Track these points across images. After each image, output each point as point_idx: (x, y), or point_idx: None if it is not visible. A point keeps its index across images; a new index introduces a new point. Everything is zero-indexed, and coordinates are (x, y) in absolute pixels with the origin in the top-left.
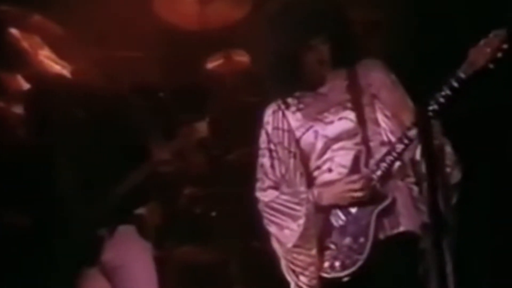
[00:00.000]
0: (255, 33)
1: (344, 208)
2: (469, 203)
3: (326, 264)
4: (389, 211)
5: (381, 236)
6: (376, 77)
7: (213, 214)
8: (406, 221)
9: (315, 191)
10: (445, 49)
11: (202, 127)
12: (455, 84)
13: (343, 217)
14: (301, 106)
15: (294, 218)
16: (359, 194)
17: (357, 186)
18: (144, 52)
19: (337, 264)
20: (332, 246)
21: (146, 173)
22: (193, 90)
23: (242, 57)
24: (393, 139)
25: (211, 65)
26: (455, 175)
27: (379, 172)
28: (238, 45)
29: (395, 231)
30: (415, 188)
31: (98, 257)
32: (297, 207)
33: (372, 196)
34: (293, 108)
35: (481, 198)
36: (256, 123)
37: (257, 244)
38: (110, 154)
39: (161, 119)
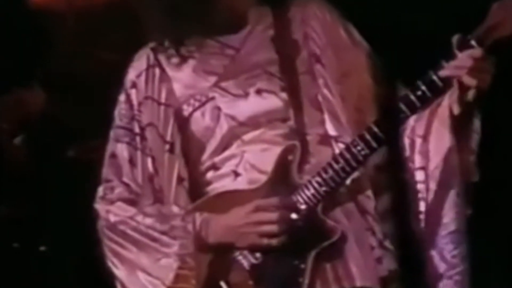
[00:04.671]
0: None
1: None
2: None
3: None
4: (335, 251)
5: None
6: (321, 27)
7: (42, 249)
8: (361, 270)
9: (198, 216)
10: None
11: (27, 99)
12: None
13: (257, 253)
14: (195, 62)
15: (160, 258)
16: (270, 229)
17: (270, 217)
18: None
19: None
20: None
21: None
22: (12, 37)
23: None
24: (344, 135)
25: None
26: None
27: (321, 190)
28: None
29: (344, 285)
30: (375, 216)
31: None
32: (167, 240)
33: (298, 235)
34: (181, 64)
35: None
36: (116, 96)
37: None
38: None
39: None
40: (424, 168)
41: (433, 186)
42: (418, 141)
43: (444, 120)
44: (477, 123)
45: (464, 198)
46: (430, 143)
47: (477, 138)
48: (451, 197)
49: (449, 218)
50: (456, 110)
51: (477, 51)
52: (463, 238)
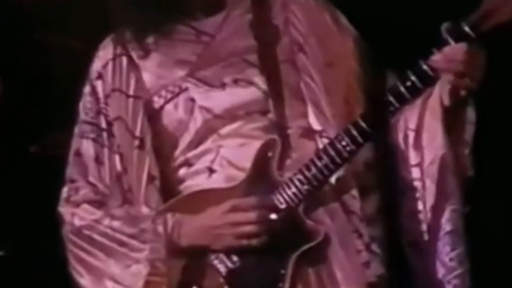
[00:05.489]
0: None
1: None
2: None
3: None
4: (318, 255)
5: None
6: (303, 13)
7: (1, 254)
8: (347, 275)
9: (170, 217)
10: None
11: None
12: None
13: (234, 256)
14: (167, 50)
15: (130, 265)
16: (249, 230)
17: (248, 217)
18: None
19: None
20: None
21: None
22: None
23: None
24: (328, 129)
25: None
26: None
27: (303, 189)
28: None
29: None
30: (362, 217)
31: None
32: (136, 244)
33: (277, 237)
34: (151, 53)
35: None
36: (81, 87)
37: None
38: None
39: None
40: (419, 165)
41: (428, 183)
42: (411, 135)
43: (436, 111)
44: (471, 113)
45: (460, 195)
46: (423, 137)
47: (472, 130)
48: (446, 195)
49: (445, 218)
50: (447, 101)
51: (464, 47)
52: (460, 238)
